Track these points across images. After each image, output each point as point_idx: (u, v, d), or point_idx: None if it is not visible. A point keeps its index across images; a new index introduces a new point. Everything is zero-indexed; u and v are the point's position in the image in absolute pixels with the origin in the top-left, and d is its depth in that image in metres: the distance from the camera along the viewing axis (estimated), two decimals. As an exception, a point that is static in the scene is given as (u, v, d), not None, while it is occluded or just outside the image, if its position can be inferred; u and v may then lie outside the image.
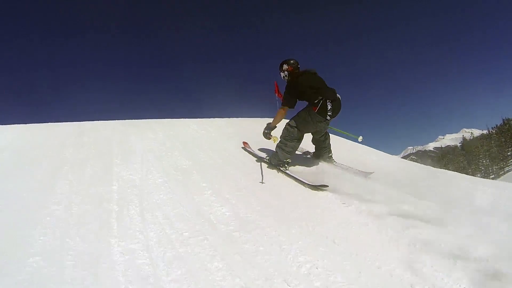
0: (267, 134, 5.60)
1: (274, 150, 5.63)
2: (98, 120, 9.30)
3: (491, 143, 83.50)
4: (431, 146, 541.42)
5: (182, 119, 10.70)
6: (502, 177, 71.58)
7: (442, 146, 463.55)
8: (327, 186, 4.64)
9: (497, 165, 79.82)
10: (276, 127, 5.60)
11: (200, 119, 10.83)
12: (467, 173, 69.84)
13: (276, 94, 6.08)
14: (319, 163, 5.96)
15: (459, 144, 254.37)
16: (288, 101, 5.33)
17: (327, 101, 5.06)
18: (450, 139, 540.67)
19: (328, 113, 5.11)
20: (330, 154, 5.98)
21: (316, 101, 5.09)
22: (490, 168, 79.89)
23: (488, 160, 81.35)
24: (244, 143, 6.82)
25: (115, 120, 9.80)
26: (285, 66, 5.48)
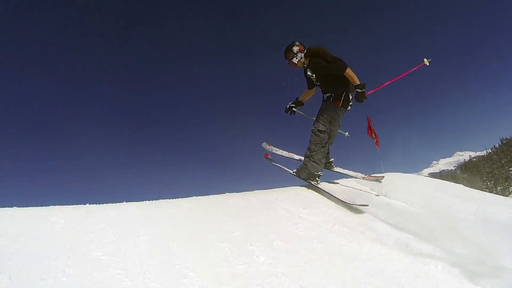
0: (363, 94, 4.70)
1: (303, 161, 5.12)
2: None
3: (493, 165, 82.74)
4: (425, 172, 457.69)
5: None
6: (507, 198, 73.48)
7: (437, 171, 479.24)
8: (367, 205, 4.27)
9: (501, 186, 78.56)
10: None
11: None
12: None
13: (371, 136, 5.70)
14: (345, 178, 5.64)
15: (453, 168, 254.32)
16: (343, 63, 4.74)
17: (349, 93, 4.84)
18: (445, 164, 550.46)
19: (350, 103, 4.93)
20: (331, 159, 5.54)
21: (338, 93, 4.84)
22: (494, 190, 77.00)
23: (492, 182, 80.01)
24: (266, 154, 6.25)
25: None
26: (296, 48, 5.00)
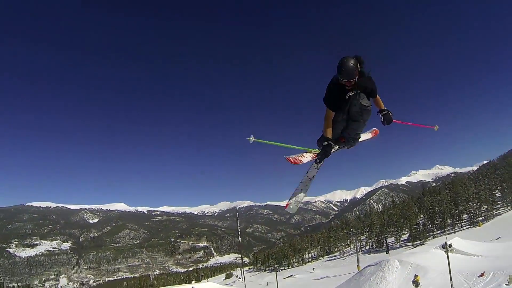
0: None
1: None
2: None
3: (479, 186, 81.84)
4: (403, 180, 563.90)
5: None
6: (491, 220, 74.40)
7: (415, 180, 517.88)
8: None
9: (486, 207, 77.87)
10: None
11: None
12: (453, 215, 70.16)
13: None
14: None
15: (431, 180, 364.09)
16: None
17: None
18: (423, 175, 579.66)
19: None
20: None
21: None
22: (477, 211, 77.85)
23: (478, 203, 78.61)
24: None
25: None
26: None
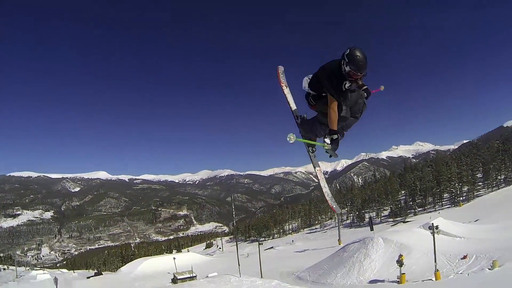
0: None
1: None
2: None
3: (462, 166, 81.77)
4: (384, 154, 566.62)
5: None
6: (472, 201, 73.63)
7: (396, 156, 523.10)
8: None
9: (467, 188, 78.09)
10: None
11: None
12: (435, 193, 69.25)
13: None
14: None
15: (411, 156, 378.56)
16: None
17: None
18: (404, 150, 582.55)
19: None
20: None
21: None
22: (459, 191, 77.64)
23: (459, 183, 78.40)
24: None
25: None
26: None
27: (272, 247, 78.47)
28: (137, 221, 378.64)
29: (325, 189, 5.55)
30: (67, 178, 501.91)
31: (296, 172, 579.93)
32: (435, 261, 28.06)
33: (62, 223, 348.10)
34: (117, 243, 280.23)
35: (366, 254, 34.28)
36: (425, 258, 31.30)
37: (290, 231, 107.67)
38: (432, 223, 30.11)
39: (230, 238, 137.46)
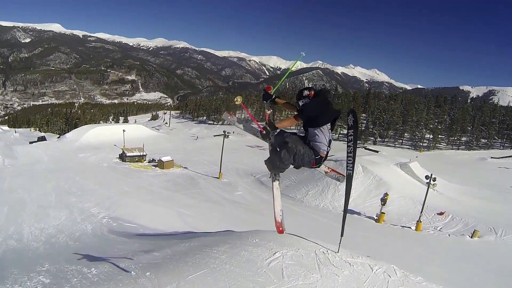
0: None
1: None
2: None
3: (431, 114, 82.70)
4: (340, 69, 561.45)
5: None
6: (431, 151, 73.97)
7: (350, 74, 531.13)
8: None
9: (431, 136, 77.85)
10: None
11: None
12: (397, 129, 69.16)
13: None
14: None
15: (365, 80, 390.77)
16: None
17: None
18: (360, 73, 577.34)
19: None
20: None
21: None
22: (423, 137, 77.85)
23: (426, 130, 78.41)
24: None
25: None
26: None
27: (224, 133, 74.94)
28: (84, 80, 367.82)
29: (278, 208, 5.66)
30: (18, 27, 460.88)
31: (250, 60, 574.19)
32: (421, 212, 26.76)
33: (8, 76, 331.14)
34: (62, 101, 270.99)
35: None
36: (402, 201, 30.01)
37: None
38: (431, 174, 27.82)
39: (177, 113, 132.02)
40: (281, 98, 5.45)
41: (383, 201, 26.99)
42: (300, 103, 5.02)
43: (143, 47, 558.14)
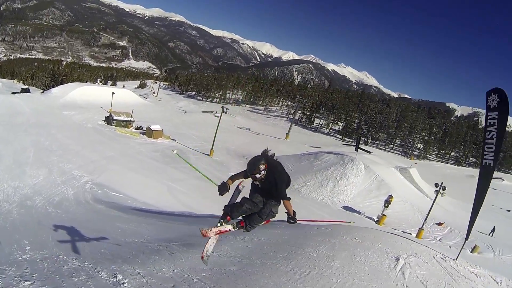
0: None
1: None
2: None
3: (426, 125, 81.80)
4: (331, 66, 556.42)
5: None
6: (422, 161, 69.94)
7: (340, 73, 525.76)
8: None
9: (422, 147, 77.76)
10: None
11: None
12: (390, 133, 68.17)
13: None
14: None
15: (354, 81, 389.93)
16: None
17: None
18: (350, 73, 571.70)
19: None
20: None
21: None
22: (414, 145, 77.86)
23: (419, 138, 78.20)
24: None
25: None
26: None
27: (212, 112, 72.41)
28: (75, 39, 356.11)
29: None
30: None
31: (243, 44, 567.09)
32: (426, 219, 25.38)
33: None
34: (49, 57, 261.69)
35: (344, 174, 29.95)
36: (402, 205, 28.41)
37: (231, 102, 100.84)
38: (441, 183, 25.88)
39: (166, 85, 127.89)
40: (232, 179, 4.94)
41: (387, 203, 25.27)
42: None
43: (139, 15, 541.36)
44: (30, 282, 4.46)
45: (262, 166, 4.65)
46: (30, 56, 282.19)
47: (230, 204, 4.92)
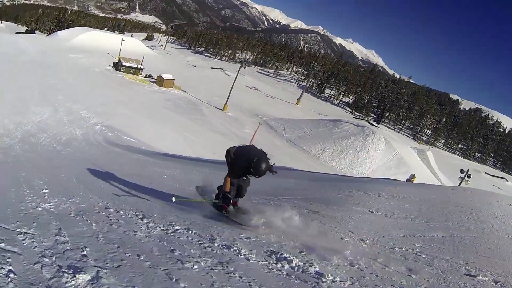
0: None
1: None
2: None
3: (438, 112, 79.21)
4: (338, 40, 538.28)
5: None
6: (429, 146, 63.40)
7: (347, 48, 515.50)
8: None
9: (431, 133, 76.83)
10: None
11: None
12: (399, 114, 64.25)
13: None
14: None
15: (360, 58, 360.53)
16: None
17: None
18: (357, 49, 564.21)
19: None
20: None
21: None
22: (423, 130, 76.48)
23: (429, 124, 76.62)
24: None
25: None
26: None
27: (222, 69, 70.22)
28: None
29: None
30: None
31: (252, 7, 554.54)
32: None
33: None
34: (54, 5, 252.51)
35: (364, 146, 28.31)
36: None
37: (241, 62, 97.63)
38: (467, 170, 24.76)
39: (173, 39, 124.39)
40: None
41: (409, 181, 23.36)
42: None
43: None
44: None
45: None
46: (35, 2, 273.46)
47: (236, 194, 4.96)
